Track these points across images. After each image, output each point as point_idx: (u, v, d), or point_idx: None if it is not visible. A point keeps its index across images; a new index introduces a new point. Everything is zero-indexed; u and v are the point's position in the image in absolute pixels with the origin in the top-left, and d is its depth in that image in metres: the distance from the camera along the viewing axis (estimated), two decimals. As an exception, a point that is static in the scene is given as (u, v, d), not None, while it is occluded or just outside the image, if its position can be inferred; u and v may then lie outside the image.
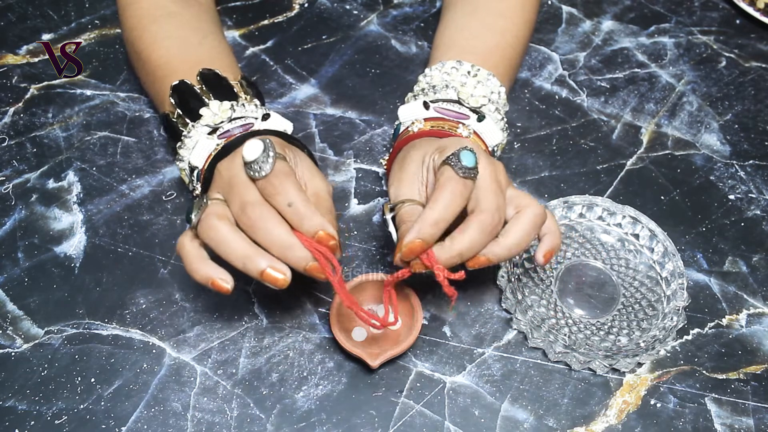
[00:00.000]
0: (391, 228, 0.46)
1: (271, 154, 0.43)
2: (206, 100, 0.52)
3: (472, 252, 0.43)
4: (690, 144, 0.64)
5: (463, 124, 0.52)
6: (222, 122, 0.50)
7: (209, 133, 0.50)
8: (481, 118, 0.52)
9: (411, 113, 0.53)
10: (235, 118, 0.51)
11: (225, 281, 0.42)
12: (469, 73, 0.54)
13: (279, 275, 0.41)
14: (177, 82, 0.53)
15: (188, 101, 0.52)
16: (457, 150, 0.44)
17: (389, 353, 0.47)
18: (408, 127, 0.53)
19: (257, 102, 0.54)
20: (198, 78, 0.53)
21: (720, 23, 0.75)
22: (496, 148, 0.54)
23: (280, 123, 0.52)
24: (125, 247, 0.55)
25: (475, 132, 0.52)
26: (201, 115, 0.51)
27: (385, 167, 0.56)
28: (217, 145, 0.49)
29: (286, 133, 0.51)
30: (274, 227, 0.42)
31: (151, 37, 0.57)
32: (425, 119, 0.52)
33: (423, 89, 0.55)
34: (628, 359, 0.48)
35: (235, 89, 0.54)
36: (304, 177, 0.47)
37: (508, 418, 0.48)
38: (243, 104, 0.52)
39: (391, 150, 0.54)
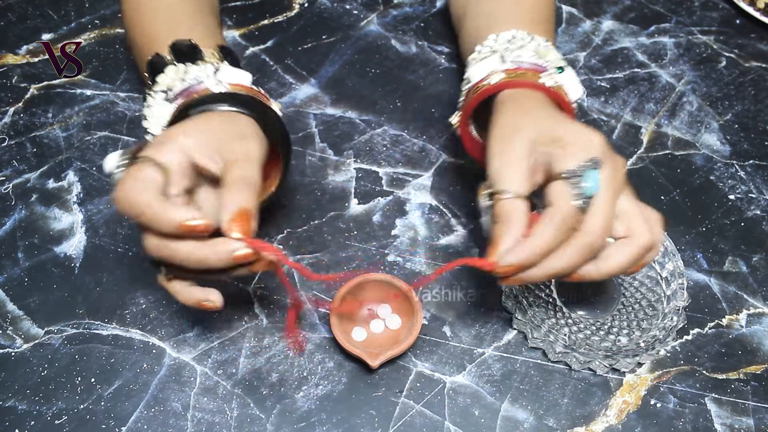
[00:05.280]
0: (486, 219, 0.42)
1: (122, 163, 0.40)
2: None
3: (565, 273, 0.41)
4: (690, 144, 0.64)
5: (548, 73, 0.48)
6: (174, 84, 0.47)
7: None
8: (560, 70, 0.49)
9: (486, 68, 0.49)
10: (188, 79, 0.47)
11: (212, 301, 0.42)
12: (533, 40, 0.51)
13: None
14: (151, 56, 0.49)
15: (159, 74, 0.49)
16: (582, 168, 0.39)
17: (389, 353, 0.47)
18: (484, 80, 0.48)
19: (220, 63, 0.49)
20: (169, 49, 0.49)
21: (720, 23, 0.75)
22: (576, 103, 0.50)
23: (232, 75, 0.48)
24: (125, 247, 0.55)
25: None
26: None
27: (456, 126, 0.52)
28: (171, 116, 0.46)
29: (221, 94, 0.46)
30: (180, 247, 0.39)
31: (141, 20, 0.54)
32: (505, 71, 0.48)
33: (494, 50, 0.50)
34: (628, 359, 0.48)
35: (206, 57, 0.49)
36: (215, 146, 0.42)
37: (508, 418, 0.48)
38: (198, 64, 0.48)
39: (462, 107, 0.50)
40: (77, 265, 0.54)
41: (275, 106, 0.49)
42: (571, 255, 0.40)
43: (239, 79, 0.48)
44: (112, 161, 0.40)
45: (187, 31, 0.51)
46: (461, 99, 0.52)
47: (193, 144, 0.41)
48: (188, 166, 0.41)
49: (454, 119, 0.52)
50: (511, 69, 0.48)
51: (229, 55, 0.51)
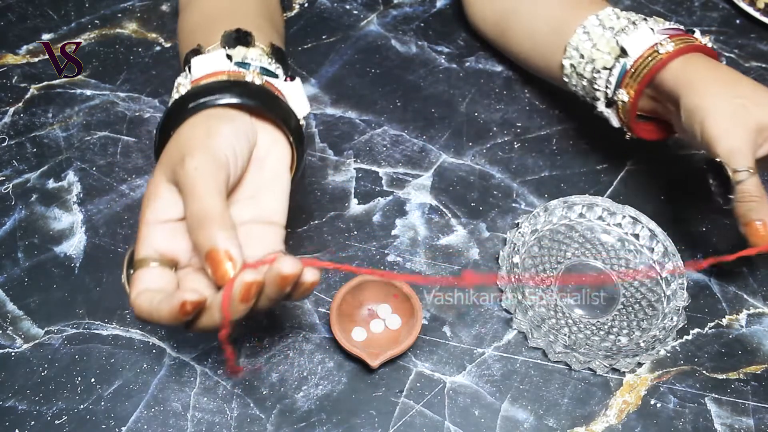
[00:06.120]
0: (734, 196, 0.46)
1: (127, 281, 0.37)
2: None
3: None
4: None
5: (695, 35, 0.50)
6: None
7: None
8: (692, 30, 0.51)
9: (644, 39, 0.49)
10: None
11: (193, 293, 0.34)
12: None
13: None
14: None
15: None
16: None
17: (389, 353, 0.47)
18: (652, 52, 0.49)
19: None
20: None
21: (720, 23, 0.75)
22: None
23: (200, 67, 0.40)
24: (125, 247, 0.55)
25: None
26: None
27: (629, 100, 0.51)
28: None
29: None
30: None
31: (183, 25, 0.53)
32: (673, 37, 0.49)
33: (609, 26, 0.51)
34: (628, 359, 0.48)
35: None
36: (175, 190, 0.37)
37: (508, 418, 0.48)
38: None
39: (638, 81, 0.50)
40: (77, 265, 0.54)
41: (257, 79, 0.41)
42: None
43: (208, 66, 0.40)
44: (123, 280, 0.38)
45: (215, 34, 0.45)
46: (613, 78, 0.52)
47: (160, 208, 0.37)
48: (176, 227, 0.37)
49: (624, 97, 0.52)
50: (675, 35, 0.49)
51: (239, 40, 0.42)
